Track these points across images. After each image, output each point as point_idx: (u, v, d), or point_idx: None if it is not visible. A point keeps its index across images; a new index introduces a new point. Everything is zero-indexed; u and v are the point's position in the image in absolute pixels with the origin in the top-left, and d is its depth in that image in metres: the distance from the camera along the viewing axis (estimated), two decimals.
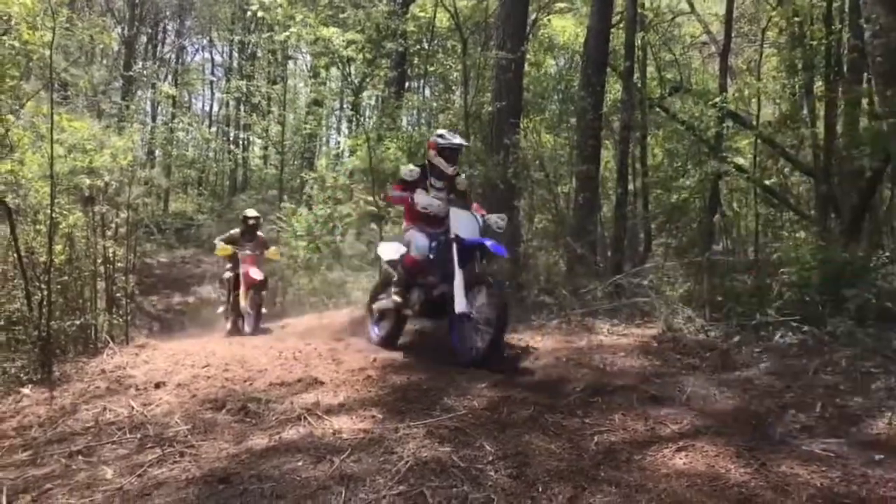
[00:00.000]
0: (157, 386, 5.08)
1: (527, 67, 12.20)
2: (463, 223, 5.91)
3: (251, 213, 10.54)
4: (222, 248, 9.93)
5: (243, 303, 9.60)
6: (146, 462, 3.50)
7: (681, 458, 3.42)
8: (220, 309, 10.48)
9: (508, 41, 9.40)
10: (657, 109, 11.56)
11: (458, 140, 6.49)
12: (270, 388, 4.91)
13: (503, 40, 9.53)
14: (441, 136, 6.49)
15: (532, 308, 7.52)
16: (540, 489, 3.13)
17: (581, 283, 7.80)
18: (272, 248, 10.47)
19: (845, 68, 9.46)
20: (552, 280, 8.56)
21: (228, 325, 10.07)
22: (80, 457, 3.62)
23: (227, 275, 10.16)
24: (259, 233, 10.47)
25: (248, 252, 9.88)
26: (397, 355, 5.99)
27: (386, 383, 4.91)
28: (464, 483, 3.17)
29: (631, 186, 10.72)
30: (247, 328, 9.60)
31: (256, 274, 9.65)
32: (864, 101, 8.93)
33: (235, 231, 10.33)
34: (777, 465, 3.36)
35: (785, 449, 3.59)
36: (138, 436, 3.92)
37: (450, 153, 6.40)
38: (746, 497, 3.02)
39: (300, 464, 3.43)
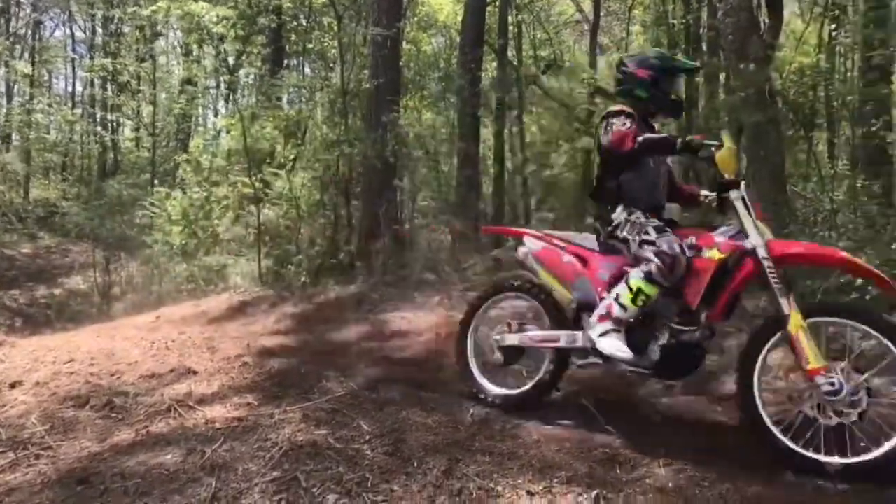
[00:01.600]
0: (13, 386, 4.72)
1: (406, 45, 12.16)
2: None
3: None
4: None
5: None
6: None
7: (552, 425, 3.55)
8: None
9: (384, 17, 9.31)
10: (533, 87, 11.83)
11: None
12: (140, 381, 4.68)
13: (379, 17, 9.42)
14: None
15: (415, 286, 7.55)
16: (415, 464, 3.16)
17: (463, 259, 7.92)
18: None
19: (704, 45, 10.02)
20: (435, 257, 8.62)
21: None
22: None
23: (668, 248, 3.36)
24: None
25: None
26: (274, 341, 5.85)
27: (263, 369, 4.80)
28: (339, 464, 3.16)
29: (510, 163, 10.94)
30: None
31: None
32: (721, 76, 9.50)
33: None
34: (641, 425, 3.55)
35: (648, 408, 3.80)
36: None
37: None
38: (610, 456, 3.18)
39: (169, 457, 3.30)
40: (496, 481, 2.97)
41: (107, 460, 3.30)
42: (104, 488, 3.00)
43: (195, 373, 4.77)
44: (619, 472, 3.04)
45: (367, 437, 3.48)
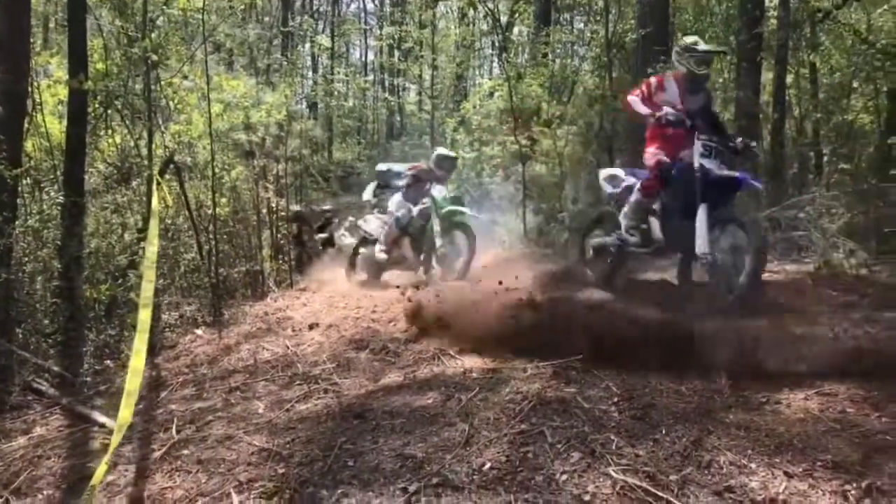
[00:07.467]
0: (311, 327, 5.50)
1: None
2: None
3: None
4: None
5: None
6: (293, 398, 3.86)
7: (814, 402, 3.25)
8: None
9: None
10: (828, 24, 10.40)
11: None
12: (412, 329, 5.16)
13: None
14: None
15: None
16: (663, 431, 3.11)
17: None
18: None
19: None
20: None
21: None
22: (237, 392, 4.07)
23: None
24: None
25: None
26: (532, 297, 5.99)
27: (520, 324, 4.98)
28: (585, 424, 3.22)
29: (796, 111, 9.83)
30: None
31: None
32: None
33: None
34: None
35: None
36: (289, 373, 4.31)
37: None
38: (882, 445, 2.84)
39: (430, 401, 3.63)
40: (750, 457, 2.82)
41: (379, 399, 3.73)
42: (375, 424, 3.40)
43: None
44: None
45: (616, 400, 3.49)
